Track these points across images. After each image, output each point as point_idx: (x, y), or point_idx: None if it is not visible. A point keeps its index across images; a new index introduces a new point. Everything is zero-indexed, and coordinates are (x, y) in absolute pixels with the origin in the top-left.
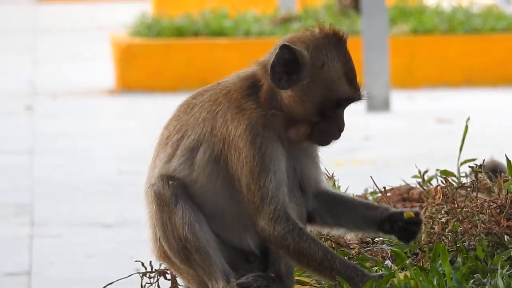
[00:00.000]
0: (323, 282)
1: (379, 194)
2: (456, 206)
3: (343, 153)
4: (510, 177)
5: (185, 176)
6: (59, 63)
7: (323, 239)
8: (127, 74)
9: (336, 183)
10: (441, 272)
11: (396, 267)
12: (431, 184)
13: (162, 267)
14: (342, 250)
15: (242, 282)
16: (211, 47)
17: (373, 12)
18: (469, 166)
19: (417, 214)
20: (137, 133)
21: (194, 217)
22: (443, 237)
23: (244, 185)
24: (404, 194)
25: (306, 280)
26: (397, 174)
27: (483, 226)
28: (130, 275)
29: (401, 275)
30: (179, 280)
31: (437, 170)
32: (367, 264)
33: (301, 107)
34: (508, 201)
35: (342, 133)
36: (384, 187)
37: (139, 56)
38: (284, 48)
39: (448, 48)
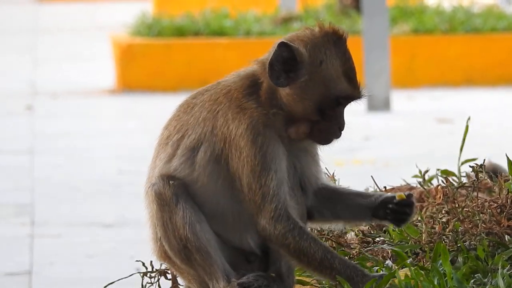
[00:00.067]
0: (323, 282)
1: None
2: (456, 205)
3: (343, 152)
4: (510, 176)
5: (186, 176)
6: (59, 63)
7: (323, 239)
8: (127, 74)
9: (336, 183)
10: (442, 272)
11: (396, 267)
12: (431, 184)
13: (163, 267)
14: (342, 250)
15: (243, 282)
16: (211, 47)
17: (373, 12)
18: (470, 166)
19: (409, 196)
20: (137, 133)
21: (195, 216)
22: (443, 236)
23: (245, 184)
24: None
25: (307, 279)
26: (398, 174)
27: (484, 226)
28: (131, 275)
29: (401, 274)
30: (179, 280)
31: (438, 170)
32: (368, 264)
33: (300, 105)
34: (509, 201)
35: (342, 132)
36: (385, 187)
37: (139, 56)
38: (282, 46)
39: (448, 48)
